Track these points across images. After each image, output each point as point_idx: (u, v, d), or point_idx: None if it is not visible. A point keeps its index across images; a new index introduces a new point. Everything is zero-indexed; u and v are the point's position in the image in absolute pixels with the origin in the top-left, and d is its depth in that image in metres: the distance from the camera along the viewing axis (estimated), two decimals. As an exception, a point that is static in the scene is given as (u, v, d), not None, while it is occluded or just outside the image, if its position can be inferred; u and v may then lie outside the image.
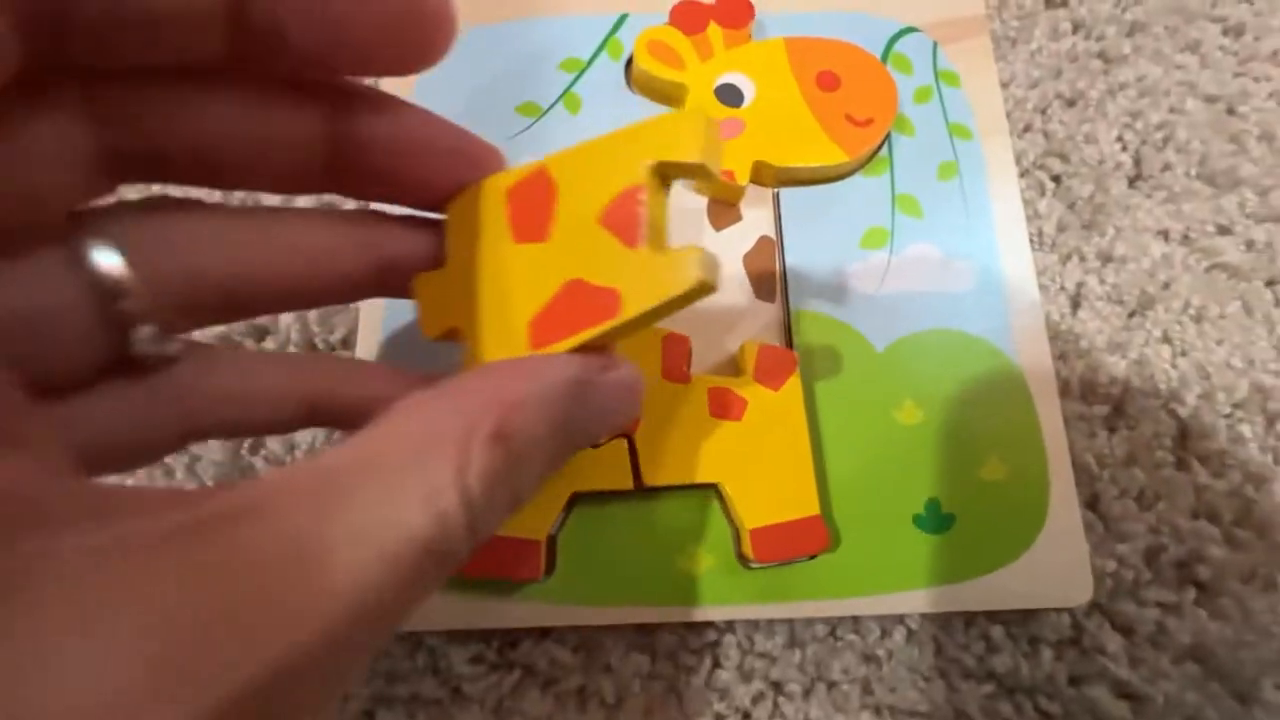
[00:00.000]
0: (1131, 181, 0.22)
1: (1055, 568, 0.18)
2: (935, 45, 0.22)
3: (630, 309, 0.12)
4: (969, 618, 0.19)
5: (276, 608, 0.08)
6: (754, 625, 0.18)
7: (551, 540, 0.17)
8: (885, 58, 0.22)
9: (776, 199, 0.20)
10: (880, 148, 0.21)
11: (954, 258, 0.20)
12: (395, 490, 0.09)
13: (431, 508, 0.09)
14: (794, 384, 0.18)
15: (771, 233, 0.20)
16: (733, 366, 0.19)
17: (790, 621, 0.18)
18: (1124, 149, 0.22)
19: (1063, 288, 0.21)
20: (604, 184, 0.12)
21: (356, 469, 0.10)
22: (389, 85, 0.21)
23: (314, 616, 0.08)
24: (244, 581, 0.08)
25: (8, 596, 0.07)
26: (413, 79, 0.21)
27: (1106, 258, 0.21)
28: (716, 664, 0.18)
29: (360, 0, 0.11)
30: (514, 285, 0.13)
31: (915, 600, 0.18)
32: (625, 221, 0.12)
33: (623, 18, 0.22)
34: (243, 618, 0.08)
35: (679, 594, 0.17)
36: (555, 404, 0.11)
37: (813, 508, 0.17)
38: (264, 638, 0.08)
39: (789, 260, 0.20)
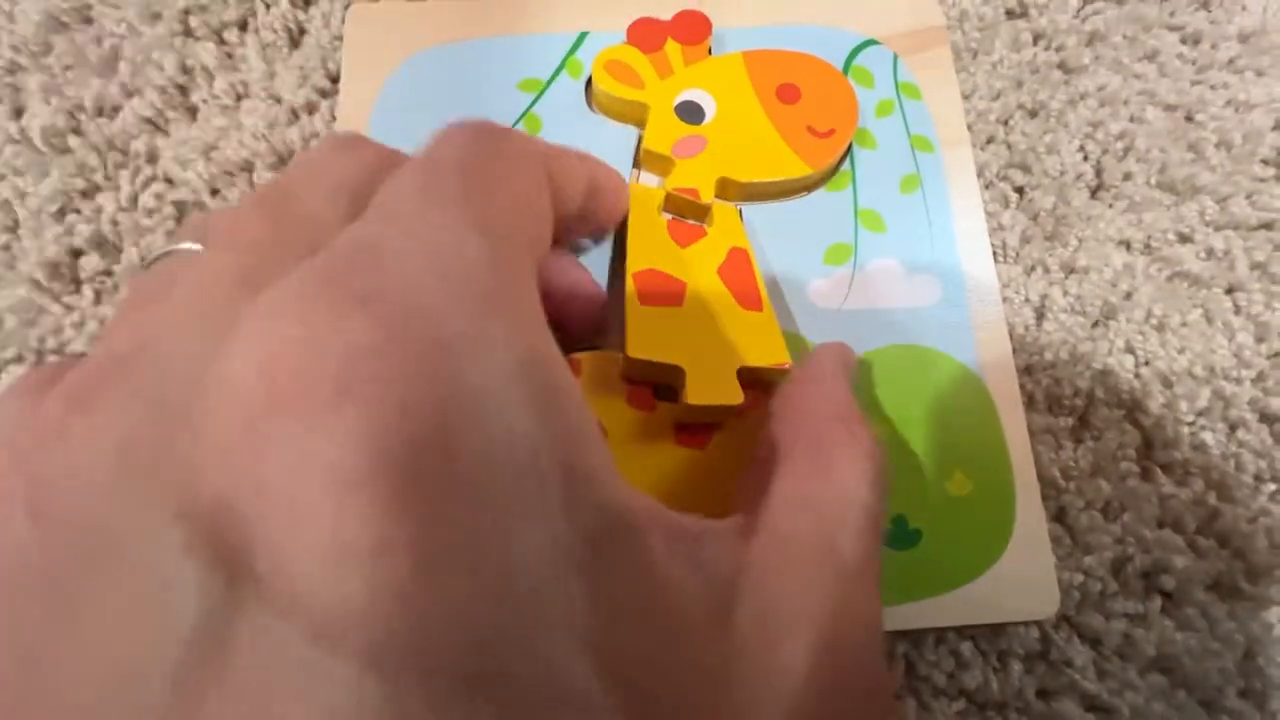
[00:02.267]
0: (1093, 192, 0.22)
1: (1022, 581, 0.18)
2: (896, 57, 0.22)
3: None
4: (939, 634, 0.19)
5: None
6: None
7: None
8: (846, 71, 0.22)
9: (739, 217, 0.20)
10: (843, 160, 0.21)
11: (917, 271, 0.20)
12: None
13: None
14: (758, 415, 0.18)
15: (741, 243, 0.20)
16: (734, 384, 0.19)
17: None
18: (1085, 159, 0.22)
19: (1027, 299, 0.21)
20: None
21: None
22: (349, 105, 0.21)
23: None
24: None
25: None
26: (371, 103, 0.20)
27: (1069, 269, 0.21)
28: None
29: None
30: None
31: (885, 617, 0.18)
32: None
33: (582, 36, 0.22)
34: None
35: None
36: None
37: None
38: None
39: (751, 277, 0.20)
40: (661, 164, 0.20)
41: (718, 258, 0.19)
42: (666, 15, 0.21)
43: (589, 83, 0.21)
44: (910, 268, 0.20)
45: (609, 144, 0.20)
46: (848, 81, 0.21)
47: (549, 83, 0.21)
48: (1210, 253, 0.21)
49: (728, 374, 0.18)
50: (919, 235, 0.20)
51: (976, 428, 0.19)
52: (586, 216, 0.17)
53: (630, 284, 0.18)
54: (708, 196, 0.19)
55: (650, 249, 0.19)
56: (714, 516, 0.17)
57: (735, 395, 0.17)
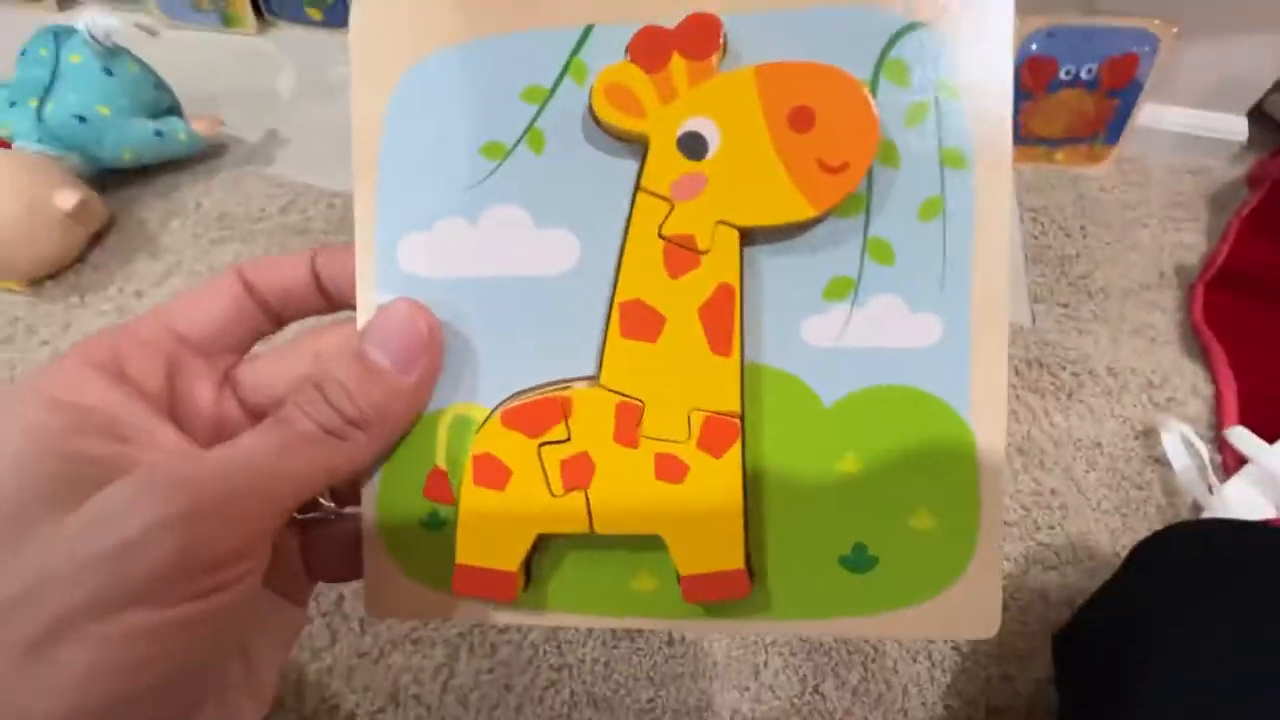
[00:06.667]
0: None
1: (969, 608, 0.20)
2: (942, 45, 0.19)
3: None
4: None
5: None
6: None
7: (525, 566, 0.21)
8: (880, 64, 0.19)
9: (738, 247, 0.20)
10: (860, 194, 0.19)
11: (921, 311, 0.20)
12: None
13: None
14: (734, 453, 0.20)
15: (731, 279, 0.20)
16: (684, 424, 0.20)
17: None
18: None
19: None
20: None
21: None
22: (360, 119, 0.21)
23: None
24: None
25: None
26: (380, 126, 0.21)
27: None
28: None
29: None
30: None
31: (831, 627, 0.21)
32: None
33: (588, 31, 0.20)
34: None
35: (630, 607, 0.21)
36: None
37: (738, 562, 0.20)
38: None
39: (746, 310, 0.20)
40: (660, 203, 0.19)
41: (703, 294, 0.20)
42: (674, 16, 0.19)
43: (589, 96, 0.20)
44: (914, 307, 0.20)
45: (615, 162, 0.20)
46: (871, 105, 0.18)
47: (553, 90, 0.20)
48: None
49: (679, 415, 0.19)
50: (930, 270, 0.20)
51: (951, 472, 0.20)
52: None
53: (615, 315, 0.20)
54: (705, 244, 0.19)
55: (641, 277, 0.20)
56: (675, 537, 0.20)
57: (681, 434, 0.19)
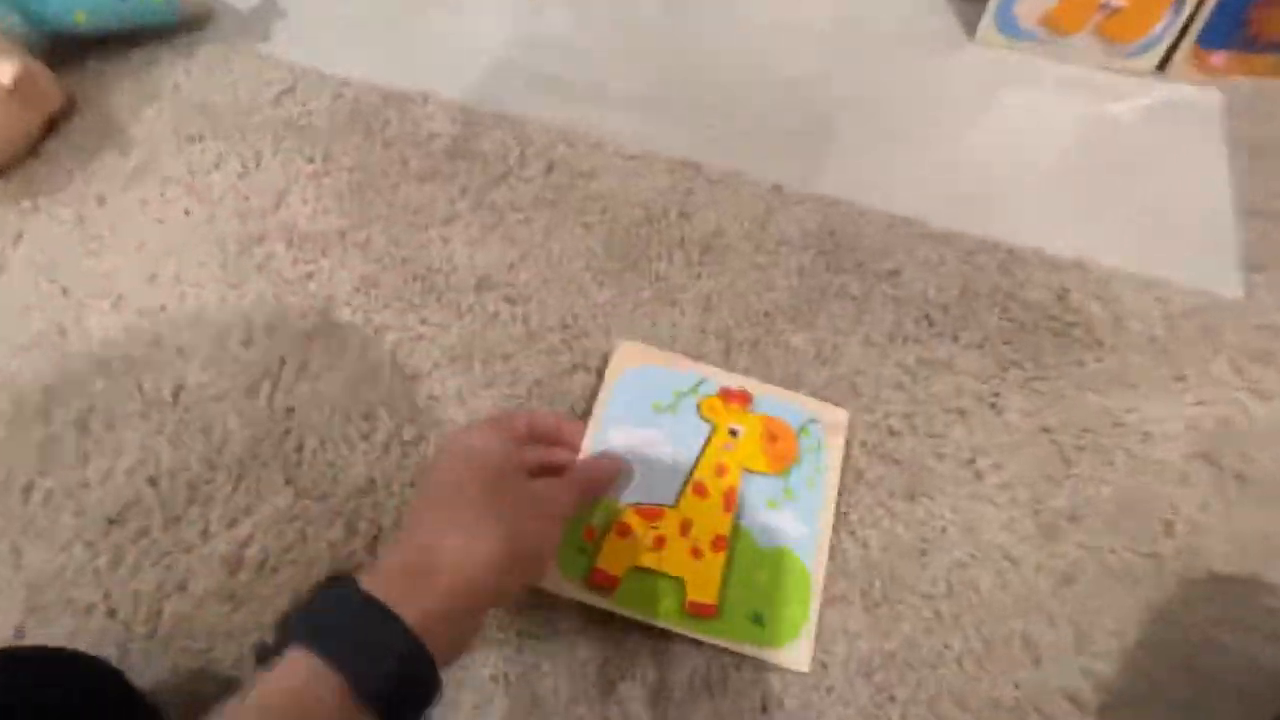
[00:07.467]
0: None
1: (798, 653, 0.47)
2: (823, 429, 0.54)
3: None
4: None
5: None
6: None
7: (619, 580, 0.47)
8: (800, 430, 0.53)
9: (740, 478, 0.51)
10: (788, 470, 0.52)
11: (800, 520, 0.51)
12: None
13: None
14: (724, 554, 0.48)
15: (736, 485, 0.51)
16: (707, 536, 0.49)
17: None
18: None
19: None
20: None
21: None
22: (598, 407, 0.53)
23: None
24: None
25: None
26: (611, 388, 0.53)
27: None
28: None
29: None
30: None
31: (739, 648, 0.47)
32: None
33: (702, 380, 0.54)
34: None
35: (658, 614, 0.47)
36: None
37: (713, 599, 0.47)
38: None
39: (739, 499, 0.50)
40: (717, 449, 0.51)
41: (726, 487, 0.50)
42: (735, 386, 0.53)
43: (698, 404, 0.53)
44: (798, 517, 0.51)
45: (702, 429, 0.52)
46: (797, 441, 0.52)
47: (685, 394, 0.53)
48: (923, 549, 0.52)
49: (708, 532, 0.49)
50: (807, 505, 0.51)
51: (801, 590, 0.49)
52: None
53: (689, 484, 0.50)
54: (729, 469, 0.51)
55: (704, 472, 0.50)
56: (690, 580, 0.47)
57: (705, 540, 0.48)
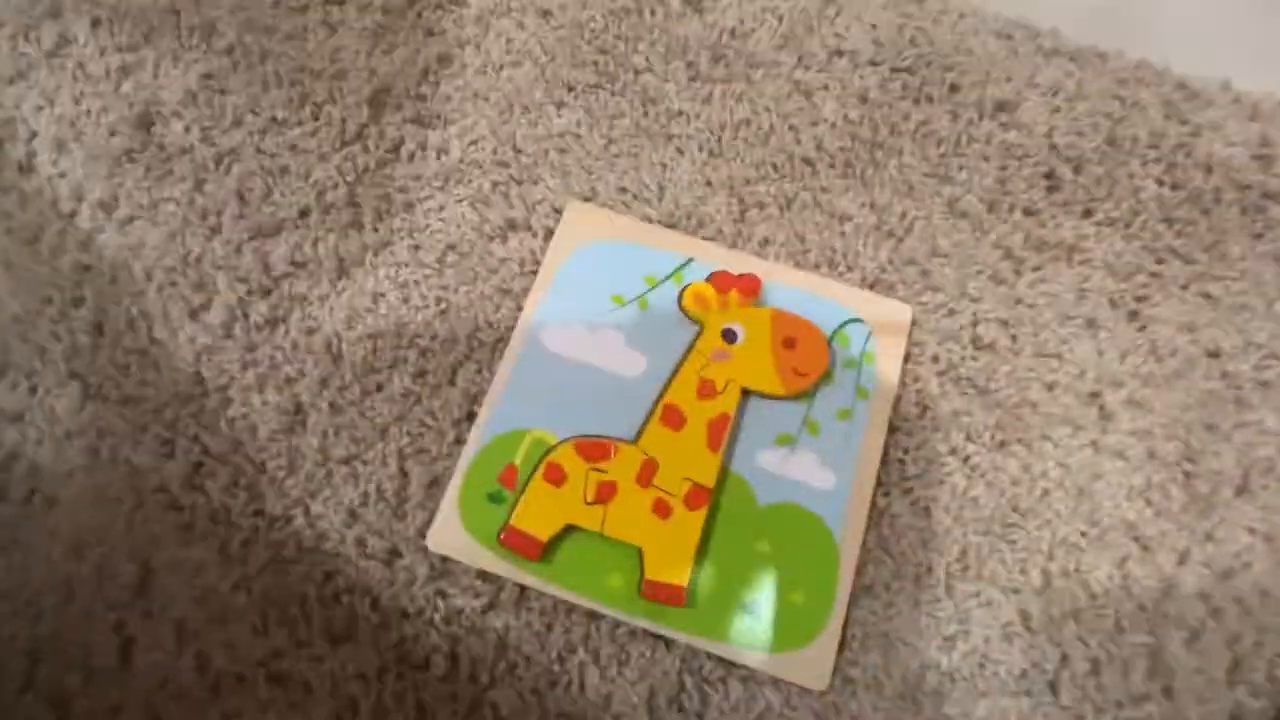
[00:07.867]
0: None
1: (810, 665, 0.32)
2: (870, 334, 0.36)
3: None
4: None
5: None
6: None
7: (548, 544, 0.32)
8: (835, 334, 0.35)
9: (743, 399, 0.34)
10: (811, 393, 0.35)
11: (826, 467, 0.34)
12: None
13: None
14: (702, 511, 0.32)
15: (730, 411, 0.34)
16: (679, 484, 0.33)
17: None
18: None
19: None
20: None
21: None
22: (544, 272, 0.36)
23: None
24: None
25: None
26: (555, 270, 0.36)
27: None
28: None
29: None
30: None
31: (721, 649, 0.32)
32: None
33: (689, 260, 0.36)
34: None
35: (600, 595, 0.32)
36: None
37: (683, 580, 0.31)
38: None
39: (732, 433, 0.34)
40: (702, 358, 0.34)
41: (713, 414, 0.33)
42: (737, 269, 0.35)
43: (680, 294, 0.35)
44: (823, 462, 0.34)
45: (682, 329, 0.35)
46: (827, 348, 0.34)
47: (660, 282, 0.36)
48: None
49: (678, 477, 0.32)
50: (836, 446, 0.34)
51: (822, 571, 0.33)
52: None
53: (659, 409, 0.33)
54: (721, 388, 0.34)
55: (681, 393, 0.33)
56: (650, 549, 0.31)
57: (676, 489, 0.32)
